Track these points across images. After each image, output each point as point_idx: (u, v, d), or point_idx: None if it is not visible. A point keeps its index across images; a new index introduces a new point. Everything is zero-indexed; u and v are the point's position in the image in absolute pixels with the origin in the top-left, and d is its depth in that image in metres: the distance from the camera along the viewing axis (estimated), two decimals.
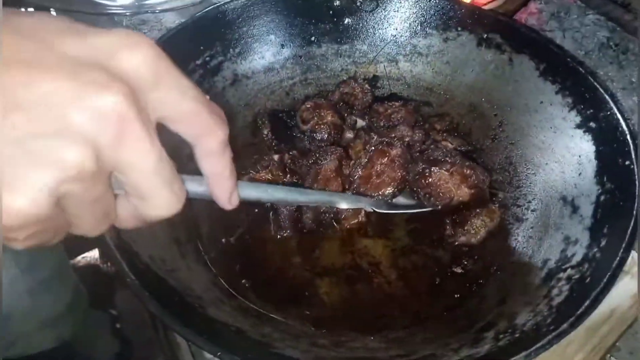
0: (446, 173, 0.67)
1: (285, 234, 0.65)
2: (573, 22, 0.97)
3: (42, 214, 0.28)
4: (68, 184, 0.27)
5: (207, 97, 0.34)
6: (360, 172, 0.69)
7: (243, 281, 0.61)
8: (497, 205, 0.68)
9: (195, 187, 0.38)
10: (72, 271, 1.10)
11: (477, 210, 0.66)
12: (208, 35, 0.72)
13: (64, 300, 1.02)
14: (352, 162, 0.71)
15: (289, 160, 0.72)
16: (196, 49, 0.72)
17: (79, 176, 0.28)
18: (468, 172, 0.67)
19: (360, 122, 0.76)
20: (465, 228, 0.65)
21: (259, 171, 0.69)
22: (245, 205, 0.67)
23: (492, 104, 0.75)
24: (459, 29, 0.77)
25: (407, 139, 0.72)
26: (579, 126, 0.67)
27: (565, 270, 0.57)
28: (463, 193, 0.67)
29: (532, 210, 0.67)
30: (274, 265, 0.63)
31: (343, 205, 0.63)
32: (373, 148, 0.70)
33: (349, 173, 0.69)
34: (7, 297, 0.89)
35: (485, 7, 0.95)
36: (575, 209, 0.63)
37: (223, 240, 0.64)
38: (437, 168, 0.67)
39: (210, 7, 0.73)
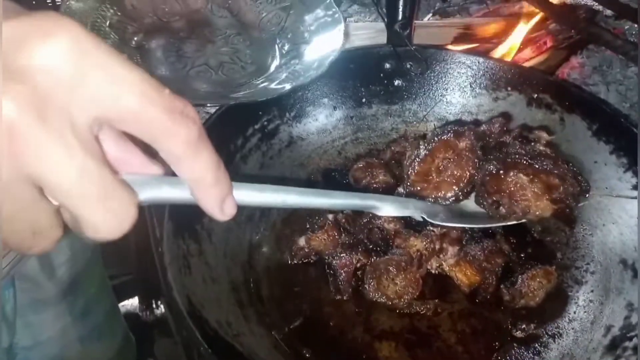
0: (525, 178, 0.55)
1: (344, 298, 0.66)
2: (616, 75, 0.97)
3: None
4: None
5: (167, 90, 0.28)
6: (416, 167, 0.57)
7: (303, 346, 0.61)
8: (554, 266, 0.68)
9: (177, 193, 0.32)
10: (122, 318, 1.12)
11: (533, 271, 0.66)
12: (266, 100, 0.75)
13: (114, 347, 1.04)
14: (409, 154, 0.59)
15: (343, 220, 0.74)
16: (255, 114, 0.75)
17: None
18: (555, 181, 0.55)
19: None
20: (523, 291, 0.65)
21: (315, 231, 0.71)
22: (303, 266, 0.70)
23: None
24: (509, 88, 0.79)
25: (482, 128, 0.63)
26: (635, 187, 0.67)
27: (630, 339, 0.56)
28: (544, 206, 0.56)
29: (592, 273, 0.67)
30: (333, 329, 0.64)
31: (384, 211, 0.51)
32: (436, 138, 0.58)
33: (403, 169, 0.59)
34: (59, 345, 0.91)
35: (528, 63, 0.97)
36: (636, 273, 0.62)
37: (282, 302, 0.66)
38: (515, 171, 0.55)
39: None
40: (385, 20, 0.83)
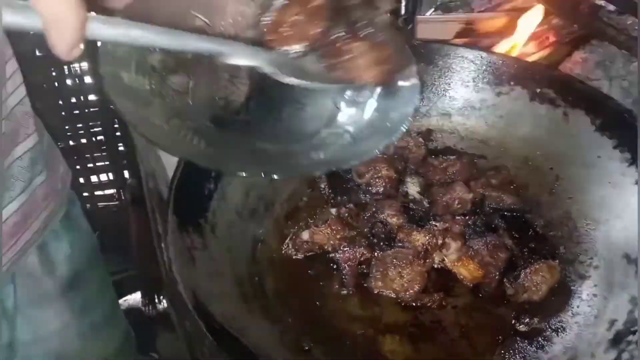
0: (363, 47, 0.54)
1: (348, 292, 0.66)
2: (619, 70, 0.97)
3: None
4: None
5: None
6: (271, 19, 0.54)
7: (308, 340, 0.62)
8: (557, 261, 0.68)
9: (23, 18, 0.31)
10: (122, 315, 1.12)
11: (536, 265, 0.66)
12: None
13: (113, 344, 1.04)
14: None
15: (347, 214, 0.74)
16: None
17: None
18: (387, 53, 0.54)
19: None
20: (526, 285, 0.65)
21: (318, 225, 0.71)
22: (307, 260, 0.70)
23: (547, 157, 0.76)
24: (512, 83, 0.79)
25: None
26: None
27: (634, 332, 0.57)
28: (374, 73, 0.55)
29: (595, 267, 0.67)
30: (337, 322, 0.64)
31: (234, 58, 0.46)
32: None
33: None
34: (59, 341, 0.92)
35: (531, 58, 0.97)
36: None
37: (286, 297, 0.66)
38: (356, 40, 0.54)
39: None
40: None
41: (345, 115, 0.58)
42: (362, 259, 0.68)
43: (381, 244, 0.69)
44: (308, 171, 0.63)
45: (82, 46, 0.34)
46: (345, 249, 0.68)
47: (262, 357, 0.55)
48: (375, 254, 0.67)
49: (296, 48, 0.52)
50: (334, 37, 0.54)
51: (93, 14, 0.35)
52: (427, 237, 0.67)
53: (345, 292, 0.66)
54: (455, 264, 0.67)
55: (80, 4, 0.33)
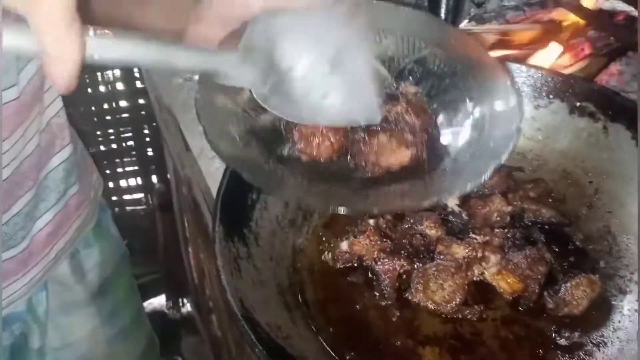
0: (384, 138, 0.55)
1: (388, 303, 0.66)
2: None
3: None
4: None
5: None
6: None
7: (349, 350, 0.62)
8: (597, 275, 0.68)
9: (23, 43, 0.29)
10: (147, 320, 1.14)
11: (577, 280, 0.66)
12: None
13: (139, 348, 1.06)
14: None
15: (384, 225, 0.74)
16: None
17: None
18: (408, 136, 0.56)
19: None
20: (567, 299, 0.65)
21: (357, 236, 0.72)
22: (346, 271, 0.71)
23: (587, 171, 0.76)
24: (551, 97, 0.79)
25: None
26: None
27: None
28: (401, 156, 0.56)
29: (636, 282, 0.67)
30: (376, 333, 0.65)
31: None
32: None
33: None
34: (87, 346, 0.94)
35: (567, 70, 0.97)
36: None
37: (326, 306, 0.67)
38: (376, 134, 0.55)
39: None
40: None
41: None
42: (401, 270, 0.68)
43: (420, 256, 0.69)
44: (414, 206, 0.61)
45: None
46: (384, 260, 0.68)
47: None
48: (415, 265, 0.67)
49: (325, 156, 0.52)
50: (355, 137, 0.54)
51: (91, 32, 0.33)
52: (467, 250, 0.68)
53: (384, 303, 0.67)
54: (495, 276, 0.67)
55: (80, 25, 0.31)
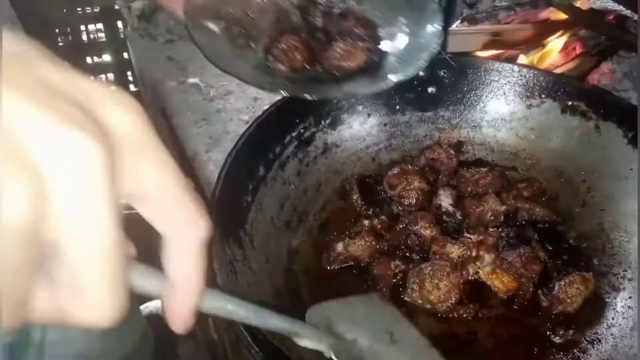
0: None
1: None
2: None
3: None
4: None
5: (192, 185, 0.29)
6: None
7: None
8: (590, 273, 0.68)
9: (149, 283, 0.30)
10: (141, 315, 1.15)
11: (571, 278, 0.67)
12: (302, 109, 0.77)
13: (132, 341, 1.07)
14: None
15: (379, 226, 0.75)
16: (292, 122, 0.76)
17: (7, 222, 0.21)
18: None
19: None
20: (561, 297, 0.66)
21: (352, 237, 0.72)
22: (341, 272, 0.72)
23: (579, 169, 0.77)
24: (543, 96, 0.80)
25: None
26: None
27: None
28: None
29: (629, 280, 0.68)
30: None
31: (302, 340, 0.52)
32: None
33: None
34: (84, 342, 0.94)
35: (559, 70, 0.97)
36: None
37: None
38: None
39: None
40: None
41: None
42: (397, 270, 0.69)
43: (415, 256, 0.70)
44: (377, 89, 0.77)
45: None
46: (380, 260, 0.69)
47: None
48: (411, 265, 0.68)
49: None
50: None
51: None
52: (462, 249, 0.68)
53: None
54: (490, 275, 0.68)
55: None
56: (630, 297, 0.66)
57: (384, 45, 0.82)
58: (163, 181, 0.27)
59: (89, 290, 0.24)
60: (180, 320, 0.31)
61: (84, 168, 0.22)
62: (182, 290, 0.30)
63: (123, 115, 0.25)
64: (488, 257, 0.69)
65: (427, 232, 0.71)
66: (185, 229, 0.28)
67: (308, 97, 0.71)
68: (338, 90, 0.76)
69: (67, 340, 0.92)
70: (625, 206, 0.72)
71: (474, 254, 0.69)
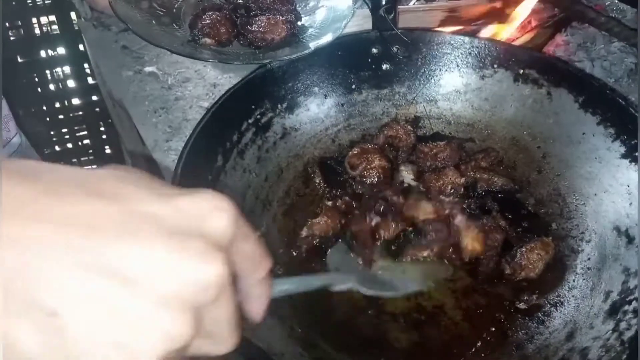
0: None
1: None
2: (600, 51, 0.98)
3: None
4: (170, 353, 0.27)
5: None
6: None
7: (317, 335, 0.63)
8: (550, 237, 0.70)
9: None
10: None
11: (531, 244, 0.68)
12: (258, 94, 0.76)
13: None
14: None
15: (343, 206, 0.75)
16: (248, 108, 0.75)
17: (180, 344, 0.27)
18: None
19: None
20: (523, 263, 0.67)
21: (314, 218, 0.72)
22: (307, 258, 0.72)
23: (534, 137, 0.78)
24: (495, 66, 0.80)
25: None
26: (624, 156, 0.69)
27: (630, 302, 0.59)
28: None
29: (587, 241, 0.69)
30: (342, 315, 0.66)
31: (336, 286, 0.61)
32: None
33: None
34: None
35: (515, 43, 0.98)
36: (630, 239, 0.65)
37: (291, 294, 0.67)
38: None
39: (257, 68, 0.76)
40: (370, 5, 0.83)
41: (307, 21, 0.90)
42: (373, 224, 0.70)
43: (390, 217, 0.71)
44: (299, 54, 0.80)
45: None
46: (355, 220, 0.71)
47: (276, 355, 0.56)
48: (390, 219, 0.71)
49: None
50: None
51: None
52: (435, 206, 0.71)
53: None
54: (465, 233, 0.69)
55: None
56: (589, 259, 0.68)
57: (304, 20, 0.90)
58: (251, 249, 0.33)
59: (218, 337, 0.31)
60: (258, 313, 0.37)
61: (220, 285, 0.28)
62: (255, 302, 0.36)
63: (222, 221, 0.30)
64: (460, 217, 0.70)
65: (395, 199, 0.73)
66: (257, 269, 0.34)
67: (237, 63, 0.80)
68: (264, 57, 0.81)
69: None
70: (579, 170, 0.73)
71: (447, 212, 0.71)
